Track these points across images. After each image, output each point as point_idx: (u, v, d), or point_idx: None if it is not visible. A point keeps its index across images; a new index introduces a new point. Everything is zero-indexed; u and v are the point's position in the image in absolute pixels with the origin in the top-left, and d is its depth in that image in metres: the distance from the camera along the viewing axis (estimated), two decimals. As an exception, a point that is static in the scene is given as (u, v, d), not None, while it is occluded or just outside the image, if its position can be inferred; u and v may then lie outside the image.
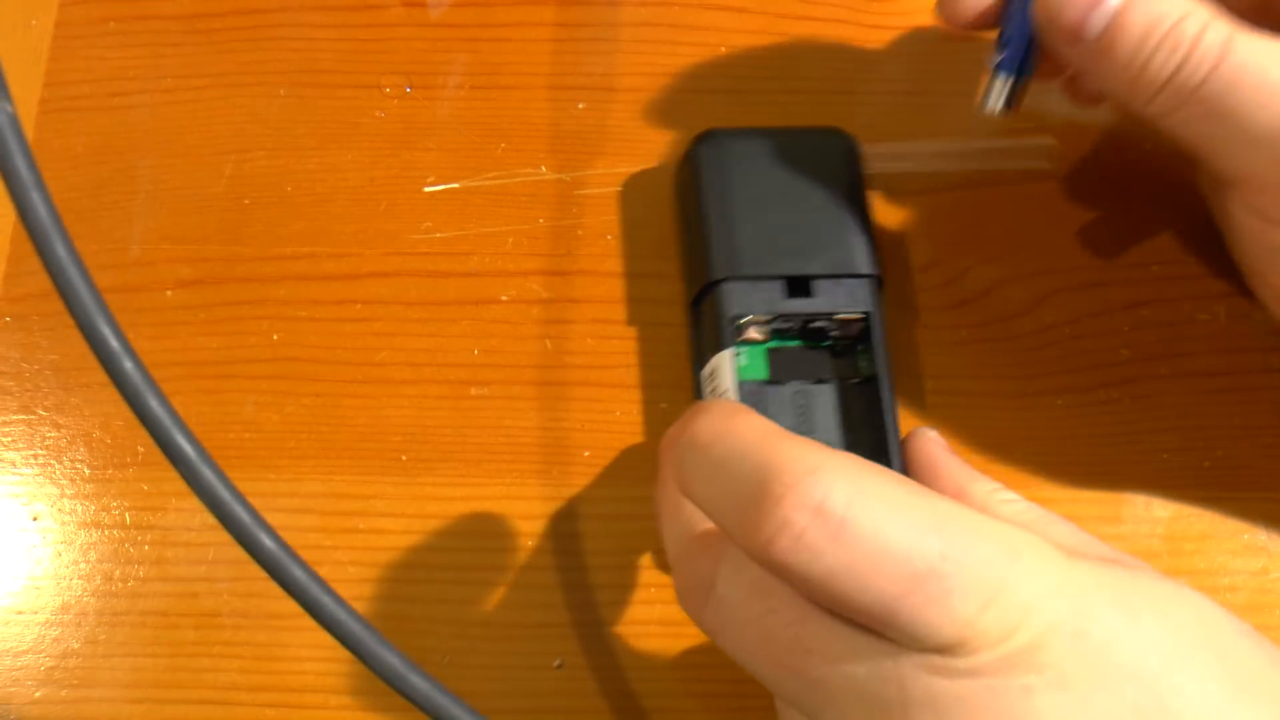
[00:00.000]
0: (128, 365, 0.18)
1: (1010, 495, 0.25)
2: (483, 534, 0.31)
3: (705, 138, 0.31)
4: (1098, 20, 0.26)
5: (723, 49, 0.36)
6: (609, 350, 0.32)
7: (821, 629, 0.20)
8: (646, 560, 0.30)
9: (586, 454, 0.31)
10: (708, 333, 0.30)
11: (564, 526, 0.31)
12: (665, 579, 0.30)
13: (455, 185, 0.34)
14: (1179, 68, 0.25)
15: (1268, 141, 0.25)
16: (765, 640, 0.21)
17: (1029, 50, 0.28)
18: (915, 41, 0.36)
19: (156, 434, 0.18)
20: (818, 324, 0.29)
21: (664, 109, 0.35)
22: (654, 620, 0.30)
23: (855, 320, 0.29)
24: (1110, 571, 0.21)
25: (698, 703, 0.29)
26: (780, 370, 0.30)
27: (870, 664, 0.20)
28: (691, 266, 0.31)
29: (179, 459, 0.19)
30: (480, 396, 0.32)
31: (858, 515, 0.19)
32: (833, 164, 0.31)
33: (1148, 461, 0.31)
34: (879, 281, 0.30)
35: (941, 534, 0.19)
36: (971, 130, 0.35)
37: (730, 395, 0.28)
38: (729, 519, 0.21)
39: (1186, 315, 0.32)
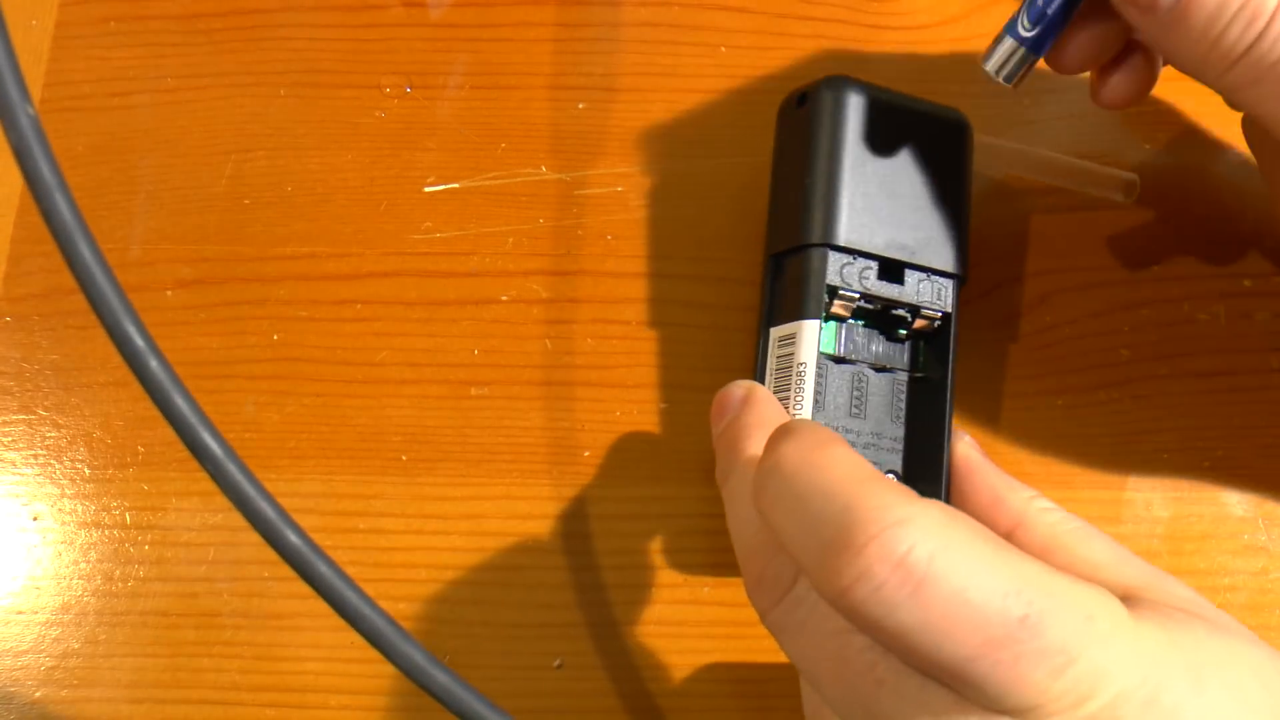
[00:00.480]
0: (153, 364, 0.18)
1: (1048, 504, 0.25)
2: (483, 534, 0.31)
3: (831, 82, 0.29)
4: None
5: (723, 49, 0.36)
6: (609, 350, 0.32)
7: (900, 670, 0.20)
8: (646, 560, 0.30)
9: (586, 454, 0.31)
10: (790, 292, 0.28)
11: (564, 526, 0.31)
12: (666, 579, 0.30)
13: (455, 185, 0.34)
14: (1257, 39, 0.24)
15: None
16: (837, 659, 0.21)
17: (1059, 25, 0.27)
18: (915, 41, 0.36)
19: (183, 432, 0.19)
20: (898, 312, 0.29)
21: (664, 109, 0.35)
22: (654, 620, 0.30)
23: (935, 318, 0.29)
24: (1175, 632, 0.21)
25: (698, 702, 0.29)
26: (849, 348, 0.29)
27: (940, 714, 0.20)
28: (784, 217, 0.29)
29: (206, 457, 0.19)
30: (480, 396, 0.32)
31: (940, 572, 0.19)
32: (948, 148, 0.30)
33: (1148, 461, 0.31)
34: (962, 283, 0.29)
35: (1023, 595, 0.19)
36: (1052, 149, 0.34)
37: (807, 366, 0.27)
38: (806, 555, 0.20)
39: (1186, 315, 0.32)
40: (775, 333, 0.28)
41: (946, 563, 0.19)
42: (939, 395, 0.28)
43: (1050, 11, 0.26)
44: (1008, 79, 0.27)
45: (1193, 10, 0.24)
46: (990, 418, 0.31)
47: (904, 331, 0.29)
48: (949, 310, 0.28)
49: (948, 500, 0.27)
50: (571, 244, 0.33)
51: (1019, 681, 0.19)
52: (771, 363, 0.28)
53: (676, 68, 0.35)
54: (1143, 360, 0.32)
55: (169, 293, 0.33)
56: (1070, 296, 0.32)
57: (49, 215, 0.18)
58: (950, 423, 0.28)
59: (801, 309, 0.28)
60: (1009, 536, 0.24)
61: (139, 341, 0.18)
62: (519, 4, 0.36)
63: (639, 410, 0.32)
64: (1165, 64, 0.29)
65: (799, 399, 0.27)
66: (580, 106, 0.35)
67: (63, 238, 0.18)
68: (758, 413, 0.26)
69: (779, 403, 0.27)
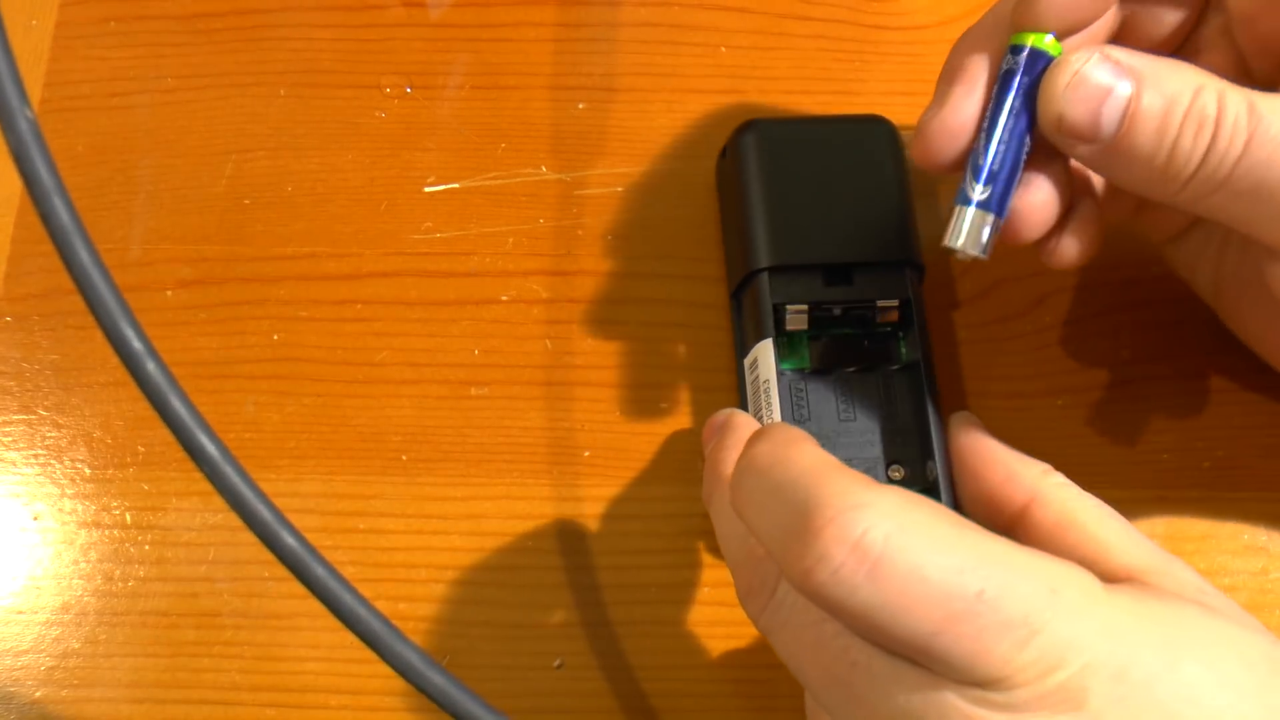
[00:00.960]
0: (150, 366, 0.18)
1: (1061, 479, 0.25)
2: (483, 534, 0.31)
3: (747, 128, 0.32)
4: (1111, 113, 0.23)
5: (723, 49, 0.36)
6: (609, 350, 0.32)
7: (868, 647, 0.21)
8: (646, 560, 0.30)
9: (586, 454, 0.31)
10: (749, 322, 0.30)
11: (564, 526, 0.31)
12: (666, 579, 0.30)
13: (455, 185, 0.34)
14: (1208, 150, 0.23)
15: None
16: (815, 648, 0.21)
17: (1014, 180, 0.25)
18: (915, 41, 0.36)
19: (180, 434, 0.19)
20: (858, 312, 0.29)
21: (664, 109, 0.35)
22: (654, 620, 0.30)
23: (895, 308, 0.29)
24: (1152, 607, 0.21)
25: (698, 702, 0.29)
26: (822, 359, 0.30)
27: (913, 690, 0.20)
28: (733, 256, 0.32)
29: (202, 458, 0.19)
30: (480, 396, 0.32)
31: (895, 552, 0.19)
32: (874, 152, 0.31)
33: (1148, 461, 0.31)
34: (919, 269, 0.30)
35: (979, 571, 0.19)
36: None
37: (771, 384, 0.28)
38: (775, 545, 0.21)
39: (1186, 315, 0.32)
40: (745, 362, 0.30)
41: (902, 542, 0.19)
42: (918, 377, 0.29)
43: (1001, 166, 0.25)
44: (982, 251, 0.25)
45: (1136, 130, 0.23)
46: (990, 418, 0.31)
47: (877, 329, 0.30)
48: (907, 297, 0.29)
49: (952, 478, 0.27)
50: (571, 244, 0.33)
51: (983, 654, 0.19)
52: (748, 390, 0.30)
53: (676, 68, 0.35)
54: (1142, 360, 0.32)
55: (169, 293, 0.33)
56: (1070, 296, 0.32)
57: (47, 218, 0.18)
58: (935, 401, 0.28)
59: (759, 332, 0.29)
60: (1024, 512, 0.24)
61: (136, 344, 0.18)
62: (519, 4, 0.36)
63: (639, 410, 0.32)
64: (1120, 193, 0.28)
65: (770, 415, 0.28)
66: (580, 106, 0.35)
67: (61, 241, 0.18)
68: (736, 434, 0.27)
69: (756, 424, 0.28)
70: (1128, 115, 0.23)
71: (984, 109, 0.25)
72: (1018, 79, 0.25)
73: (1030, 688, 0.19)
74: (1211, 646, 0.20)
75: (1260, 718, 0.20)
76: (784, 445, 0.22)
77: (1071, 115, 0.23)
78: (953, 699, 0.20)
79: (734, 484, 0.22)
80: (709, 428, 0.28)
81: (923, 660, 0.20)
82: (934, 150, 0.26)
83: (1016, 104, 0.25)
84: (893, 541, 0.19)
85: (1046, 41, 0.25)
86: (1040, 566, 0.20)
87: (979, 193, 0.25)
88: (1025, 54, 0.25)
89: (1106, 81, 0.23)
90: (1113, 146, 0.23)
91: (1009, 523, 0.25)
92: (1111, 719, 0.19)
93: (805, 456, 0.21)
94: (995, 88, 0.25)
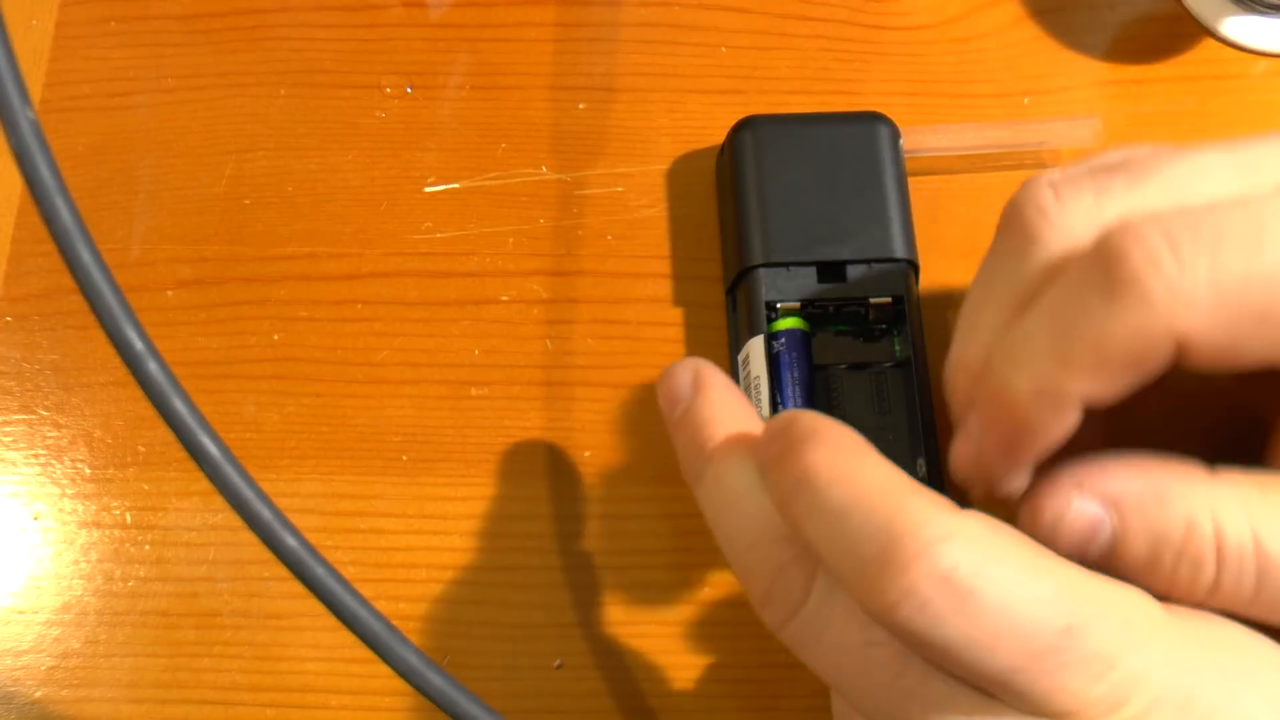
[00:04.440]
0: (152, 367, 0.18)
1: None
2: (483, 534, 0.31)
3: (744, 125, 0.32)
4: (1099, 545, 0.20)
5: (723, 49, 0.36)
6: (609, 350, 0.32)
7: (927, 676, 0.20)
8: (646, 560, 0.30)
9: (586, 454, 0.31)
10: (743, 319, 0.30)
11: (564, 526, 0.31)
12: (666, 579, 0.30)
13: (456, 185, 0.34)
14: (1215, 582, 0.20)
15: None
16: (861, 672, 0.21)
17: None
18: (915, 41, 0.36)
19: (181, 434, 0.19)
20: (851, 308, 0.30)
21: (664, 109, 0.35)
22: (654, 620, 0.30)
23: (888, 304, 0.30)
24: (1208, 633, 0.20)
25: (698, 702, 0.29)
26: (816, 355, 0.30)
27: (970, 716, 0.19)
28: (728, 253, 0.32)
29: (203, 458, 0.19)
30: (480, 396, 0.32)
31: (984, 587, 0.18)
32: (871, 149, 0.31)
33: (1148, 461, 0.31)
34: (913, 266, 0.30)
35: (1064, 605, 0.19)
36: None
37: (763, 380, 0.29)
38: (846, 570, 0.20)
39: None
40: (739, 358, 0.30)
41: (990, 576, 0.18)
42: (910, 374, 0.29)
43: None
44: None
45: (1126, 566, 0.20)
46: (990, 418, 0.31)
47: (870, 326, 0.30)
48: (901, 294, 0.29)
49: (942, 475, 0.27)
50: (571, 244, 0.33)
51: (1059, 690, 0.19)
52: (740, 386, 0.29)
53: (676, 68, 0.35)
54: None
55: (169, 293, 0.33)
56: (1070, 296, 0.32)
57: (49, 219, 0.18)
58: (929, 398, 0.29)
59: (752, 330, 0.29)
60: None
61: (138, 344, 0.18)
62: (519, 4, 0.36)
63: (639, 410, 0.32)
64: None
65: (760, 411, 0.28)
66: (580, 106, 0.35)
67: (63, 241, 0.18)
68: (714, 402, 0.24)
69: (730, 383, 0.25)
70: (1117, 545, 0.20)
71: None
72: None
73: None
74: (1263, 672, 0.20)
75: None
76: (847, 457, 0.20)
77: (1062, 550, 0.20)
78: None
79: (787, 494, 0.21)
80: (669, 388, 0.25)
81: (994, 691, 0.19)
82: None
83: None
84: (981, 576, 0.18)
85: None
86: (1115, 597, 0.19)
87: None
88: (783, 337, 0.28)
89: (1087, 522, 0.20)
90: (1106, 563, 0.21)
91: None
92: None
93: (875, 473, 0.20)
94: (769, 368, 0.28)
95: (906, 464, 0.29)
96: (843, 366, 0.30)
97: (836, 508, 0.20)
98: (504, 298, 0.33)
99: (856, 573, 0.19)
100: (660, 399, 0.25)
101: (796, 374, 0.29)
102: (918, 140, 0.33)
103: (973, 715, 0.19)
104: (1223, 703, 0.19)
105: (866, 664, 0.20)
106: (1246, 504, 0.20)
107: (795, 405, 0.28)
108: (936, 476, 0.28)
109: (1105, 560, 0.20)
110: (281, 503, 0.31)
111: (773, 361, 0.29)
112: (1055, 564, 0.19)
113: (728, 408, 0.24)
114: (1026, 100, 0.34)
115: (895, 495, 0.19)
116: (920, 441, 0.28)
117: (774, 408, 0.28)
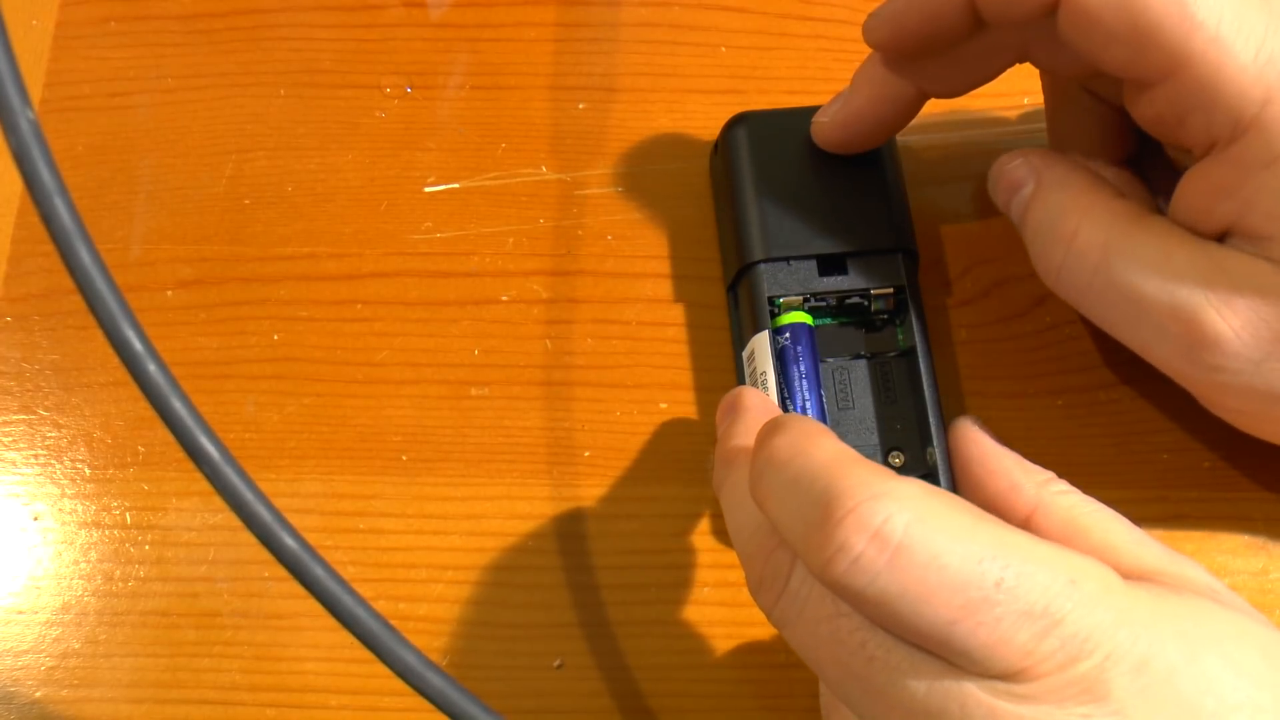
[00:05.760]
0: (151, 368, 0.18)
1: (1064, 486, 0.25)
2: (483, 534, 0.31)
3: (737, 121, 0.32)
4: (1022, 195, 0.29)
5: (723, 49, 0.36)
6: (609, 350, 0.32)
7: (887, 640, 0.21)
8: (647, 560, 0.30)
9: (586, 454, 0.31)
10: (745, 315, 0.30)
11: (564, 526, 0.31)
12: (666, 578, 0.30)
13: (456, 185, 0.34)
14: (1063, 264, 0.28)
15: None
16: (832, 641, 0.21)
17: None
18: (915, 41, 0.36)
19: (180, 435, 0.19)
20: (853, 300, 0.30)
21: (664, 109, 0.35)
22: (654, 620, 0.30)
23: (890, 295, 0.30)
24: (1170, 601, 0.21)
25: (698, 702, 0.29)
26: (825, 348, 0.30)
27: (932, 682, 0.20)
28: (727, 250, 0.32)
29: (202, 459, 0.19)
30: (480, 396, 0.32)
31: (915, 540, 0.19)
32: None
33: (1148, 461, 0.31)
34: (913, 255, 0.30)
35: (998, 561, 0.19)
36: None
37: (768, 374, 0.29)
38: (795, 537, 0.21)
39: (1186, 315, 0.32)
40: (743, 355, 0.30)
41: (922, 531, 0.19)
42: (915, 363, 0.29)
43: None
44: None
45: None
46: (990, 418, 0.31)
47: (873, 317, 0.30)
48: (901, 284, 0.29)
49: (955, 480, 0.27)
50: (571, 244, 0.33)
51: (1002, 644, 0.19)
52: (746, 383, 0.30)
53: (676, 68, 0.35)
54: (1143, 360, 0.32)
55: (169, 293, 0.33)
56: (1070, 296, 0.32)
57: (49, 220, 0.18)
58: (933, 387, 0.29)
59: (755, 325, 0.29)
60: (1027, 521, 0.24)
61: (137, 345, 0.18)
62: (519, 4, 0.36)
63: (639, 410, 0.32)
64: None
65: None
66: (580, 106, 0.35)
67: (62, 242, 0.18)
68: (746, 419, 0.27)
69: (767, 402, 0.28)
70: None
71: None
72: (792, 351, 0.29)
73: (1051, 679, 0.19)
74: (1228, 639, 0.20)
75: (1276, 707, 0.20)
76: (804, 437, 0.22)
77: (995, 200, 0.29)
78: (973, 691, 0.20)
79: (754, 477, 0.23)
80: (721, 408, 0.28)
81: (942, 652, 0.20)
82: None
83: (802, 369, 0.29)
84: (912, 530, 0.19)
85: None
86: (1059, 558, 0.20)
87: None
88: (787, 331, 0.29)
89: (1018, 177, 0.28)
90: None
91: None
92: (1134, 711, 0.19)
93: (825, 449, 0.21)
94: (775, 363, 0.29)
95: (916, 453, 0.29)
96: (847, 358, 0.30)
97: (789, 480, 0.21)
98: (504, 298, 0.33)
99: (803, 537, 0.21)
100: (716, 420, 0.28)
101: (803, 368, 0.29)
102: (913, 135, 0.33)
103: (933, 680, 0.20)
104: (1182, 664, 0.20)
105: (836, 634, 0.21)
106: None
107: (804, 399, 0.28)
108: (947, 465, 0.28)
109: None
110: (281, 503, 0.31)
111: (779, 357, 0.29)
112: (995, 525, 0.20)
113: (757, 424, 0.25)
114: (1026, 100, 0.34)
115: (839, 465, 0.21)
116: (929, 430, 0.28)
117: (782, 403, 0.28)
